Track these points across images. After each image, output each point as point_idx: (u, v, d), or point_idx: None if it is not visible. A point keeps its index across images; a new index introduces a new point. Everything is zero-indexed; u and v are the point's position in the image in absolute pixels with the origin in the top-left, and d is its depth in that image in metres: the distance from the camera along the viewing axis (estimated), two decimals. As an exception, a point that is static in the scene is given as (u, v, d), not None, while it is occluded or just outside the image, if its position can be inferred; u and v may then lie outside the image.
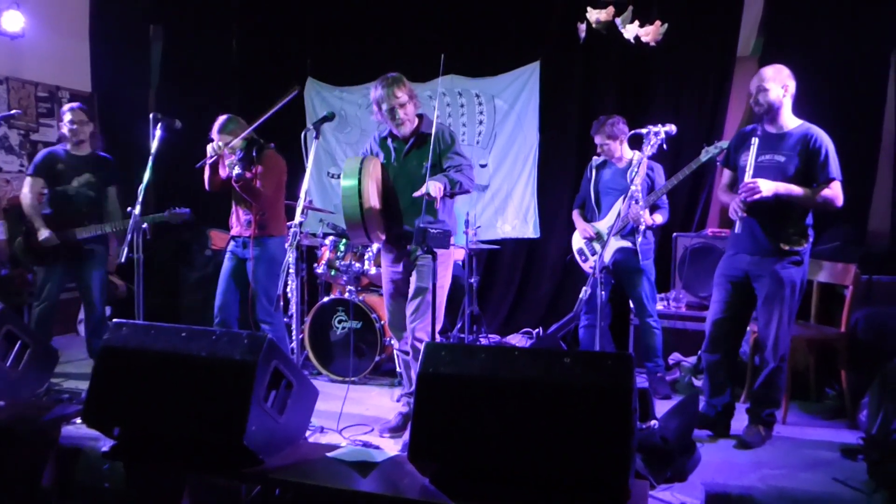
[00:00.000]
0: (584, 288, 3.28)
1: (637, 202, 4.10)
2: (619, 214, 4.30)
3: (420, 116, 3.57)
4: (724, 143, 4.07)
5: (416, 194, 3.25)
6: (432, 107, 4.68)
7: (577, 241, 4.63)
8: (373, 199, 3.31)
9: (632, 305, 4.63)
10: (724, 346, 3.66)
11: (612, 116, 4.49)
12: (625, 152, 4.50)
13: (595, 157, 4.64)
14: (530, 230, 5.90)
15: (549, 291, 5.81)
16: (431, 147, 3.32)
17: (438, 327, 3.36)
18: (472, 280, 5.09)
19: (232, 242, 4.29)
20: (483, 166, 6.00)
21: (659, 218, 4.38)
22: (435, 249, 3.16)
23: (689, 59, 5.28)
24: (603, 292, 3.53)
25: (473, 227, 5.11)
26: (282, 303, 4.23)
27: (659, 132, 3.47)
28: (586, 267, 4.52)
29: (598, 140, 4.51)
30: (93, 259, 4.63)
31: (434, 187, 3.21)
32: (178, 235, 5.75)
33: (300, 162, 3.52)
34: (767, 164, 3.43)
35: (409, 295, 3.53)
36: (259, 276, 4.14)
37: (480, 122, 6.05)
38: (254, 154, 4.12)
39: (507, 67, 5.90)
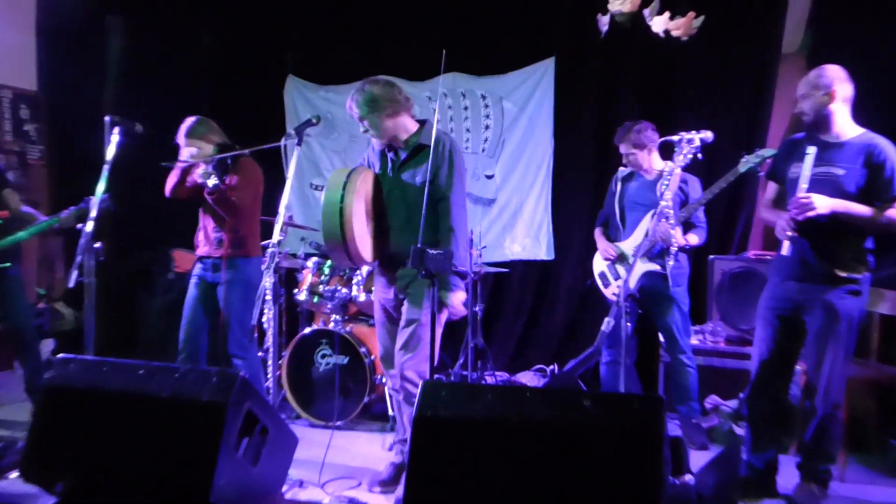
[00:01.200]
0: (606, 318, 3.27)
1: (667, 219, 4.11)
2: (647, 233, 4.30)
3: (421, 123, 3.60)
4: (767, 152, 4.08)
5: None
6: (432, 110, 4.72)
7: (599, 264, 4.63)
8: (357, 218, 3.32)
9: (661, 339, 4.62)
10: (770, 389, 3.62)
11: (639, 122, 4.51)
12: (654, 163, 4.52)
13: (621, 169, 4.66)
14: (543, 251, 5.91)
15: (566, 322, 5.82)
16: (430, 161, 3.34)
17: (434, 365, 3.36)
18: (477, 308, 5.09)
19: (199, 264, 4.30)
20: (489, 177, 6.02)
21: (694, 238, 4.38)
22: (435, 273, 3.15)
23: (727, 55, 5.32)
24: (628, 324, 3.53)
25: (478, 246, 5.12)
26: (256, 334, 4.22)
27: (693, 140, 3.48)
28: (609, 294, 4.52)
29: (623, 149, 4.53)
30: (2, 280, 4.59)
31: (457, 298, 3.41)
32: (136, 256, 5.76)
33: (279, 172, 3.54)
34: (822, 178, 3.37)
35: (399, 325, 3.54)
36: (231, 302, 4.15)
37: (486, 127, 6.09)
38: (228, 162, 4.14)
39: (517, 65, 5.95)
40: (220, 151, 4.14)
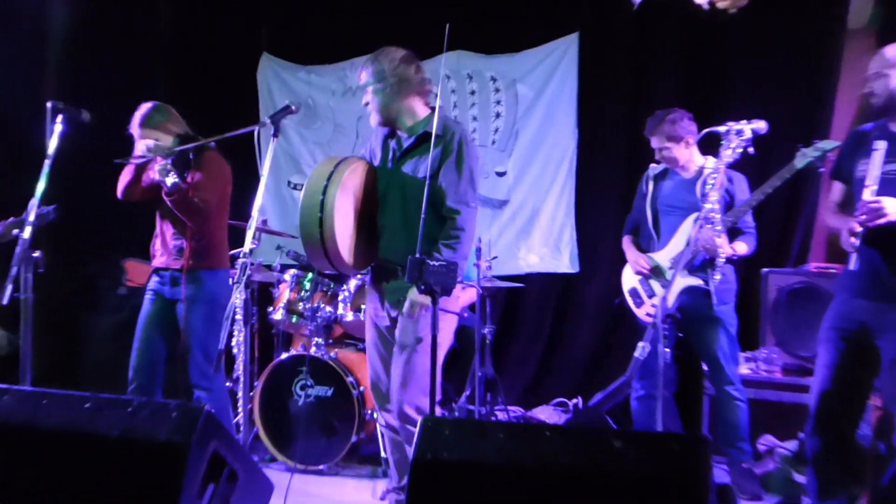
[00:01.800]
0: (640, 343, 3.26)
1: (711, 224, 4.11)
2: (687, 241, 4.30)
3: (433, 109, 3.61)
4: (828, 145, 4.08)
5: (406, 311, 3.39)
6: (431, 95, 4.69)
7: (629, 279, 4.63)
8: (341, 215, 3.33)
9: (705, 368, 4.61)
10: (834, 425, 3.59)
11: (673, 111, 4.52)
12: (692, 158, 4.53)
13: (652, 166, 4.67)
14: (565, 262, 5.92)
15: (592, 347, 5.82)
16: (432, 153, 3.34)
17: (438, 398, 3.35)
18: (486, 330, 5.09)
19: (155, 278, 4.30)
20: (500, 175, 6.04)
21: (742, 247, 4.38)
22: (436, 289, 3.15)
23: (782, 32, 5.34)
24: (667, 349, 3.50)
25: (487, 257, 5.12)
26: (224, 361, 4.22)
27: (742, 131, 3.48)
28: (642, 314, 4.52)
29: (655, 143, 4.54)
30: None
31: (414, 305, 3.37)
32: (81, 268, 5.77)
33: (251, 168, 3.55)
34: (894, 178, 3.40)
35: (395, 352, 3.54)
36: (193, 323, 4.15)
37: (497, 116, 6.10)
38: (190, 157, 4.16)
39: (533, 41, 5.98)
40: (182, 144, 4.14)
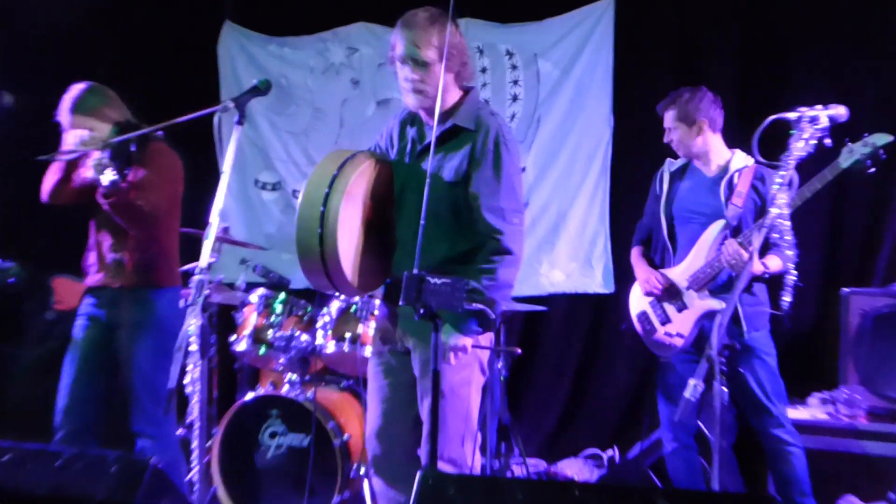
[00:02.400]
0: (691, 381, 3.25)
1: (780, 235, 4.11)
2: (709, 256, 4.31)
3: (467, 91, 3.58)
4: (881, 139, 4.05)
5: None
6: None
7: (638, 301, 4.65)
8: (347, 228, 3.32)
9: (744, 409, 4.60)
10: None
11: (699, 89, 4.55)
12: (711, 149, 4.52)
13: (669, 161, 4.68)
14: (598, 280, 5.94)
15: (631, 385, 5.83)
16: (462, 153, 3.33)
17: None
18: (500, 364, 5.10)
19: (90, 299, 4.31)
20: (518, 172, 6.07)
21: (775, 262, 4.36)
22: (438, 314, 3.15)
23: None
24: (725, 388, 3.49)
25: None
26: (175, 402, 4.21)
27: (817, 118, 3.47)
28: (660, 342, 4.52)
29: (666, 120, 4.57)
30: None
31: (454, 343, 3.35)
32: (-1, 287, 5.77)
33: (210, 163, 3.55)
34: None
35: (422, 409, 3.50)
36: (138, 355, 4.16)
37: (514, 99, 6.12)
38: (132, 149, 4.16)
39: (559, 7, 6.01)
40: (122, 133, 4.13)
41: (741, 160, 4.43)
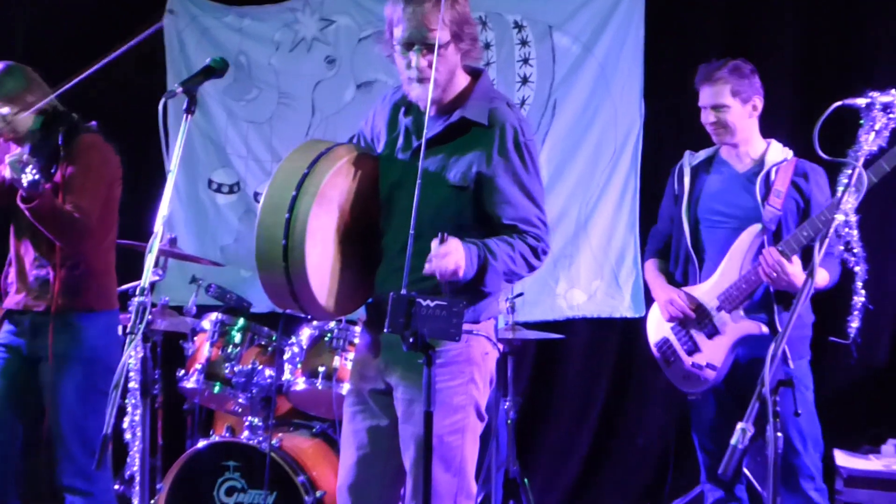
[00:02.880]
0: (739, 425, 3.23)
1: (784, 241, 4.13)
2: (741, 269, 4.30)
3: (475, 75, 3.53)
4: None
5: (426, 270, 3.23)
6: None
7: (658, 326, 4.62)
8: (319, 237, 3.30)
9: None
10: None
11: (746, 61, 4.53)
12: (753, 139, 4.51)
13: (689, 153, 4.63)
14: (626, 302, 5.94)
15: (667, 429, 5.81)
16: (473, 155, 3.31)
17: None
18: (507, 404, 5.09)
19: (7, 325, 4.30)
20: (529, 170, 6.06)
21: (822, 276, 4.36)
22: (431, 342, 3.12)
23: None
24: (779, 434, 3.48)
25: (510, 295, 5.14)
26: (111, 451, 4.19)
27: (893, 105, 3.47)
28: (687, 375, 4.50)
29: (707, 98, 4.45)
30: None
31: (451, 259, 3.20)
32: None
33: (154, 160, 3.52)
34: None
35: (405, 459, 3.47)
36: (65, 393, 4.14)
37: (524, 80, 6.12)
38: (59, 142, 4.15)
39: (578, -31, 6.02)
40: (47, 124, 4.15)
41: (778, 153, 4.40)
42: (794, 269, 4.14)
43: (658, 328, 4.61)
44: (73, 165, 4.16)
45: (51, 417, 4.15)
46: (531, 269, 3.41)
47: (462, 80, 3.47)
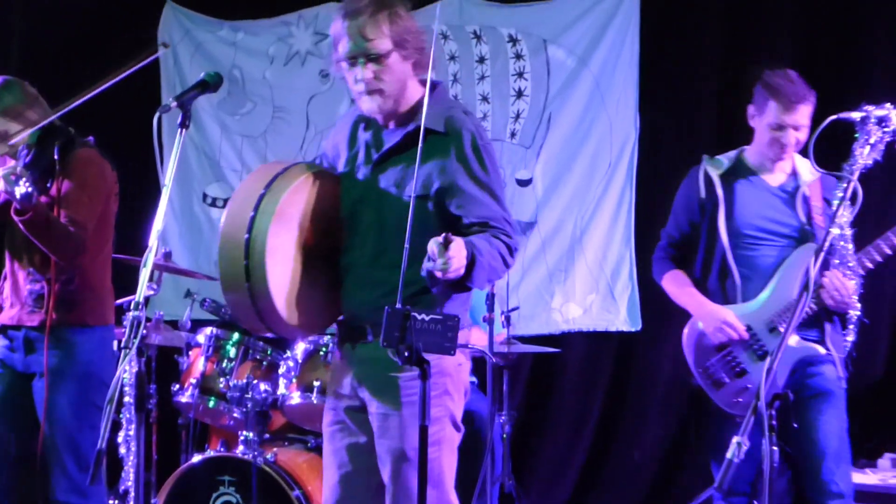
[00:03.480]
0: (734, 439, 3.24)
1: (842, 261, 4.11)
2: (803, 288, 4.29)
3: (432, 88, 3.54)
4: None
5: (424, 268, 3.22)
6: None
7: (699, 346, 4.55)
8: (279, 256, 3.32)
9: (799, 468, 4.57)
10: None
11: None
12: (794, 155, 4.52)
13: (707, 158, 4.58)
14: (622, 316, 5.94)
15: (662, 444, 5.84)
16: (438, 162, 3.31)
17: None
18: (503, 418, 5.09)
19: (2, 341, 4.29)
20: (524, 184, 6.06)
21: None
22: (426, 356, 3.13)
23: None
24: (775, 448, 3.48)
25: (505, 308, 5.13)
26: (106, 466, 4.19)
27: (888, 119, 3.48)
28: (726, 400, 4.47)
29: (795, 118, 4.30)
30: None
31: (456, 259, 3.19)
32: None
33: (149, 174, 3.53)
34: None
35: (384, 474, 3.47)
36: (59, 409, 4.13)
37: (518, 94, 6.12)
38: (55, 156, 4.15)
39: (573, -16, 6.04)
40: (43, 138, 4.15)
41: (807, 170, 4.36)
42: (853, 289, 4.15)
43: (700, 350, 4.50)
44: (69, 179, 4.15)
45: (45, 432, 4.13)
46: (507, 266, 3.41)
47: (416, 92, 3.49)
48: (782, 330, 4.20)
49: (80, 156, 4.22)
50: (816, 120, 3.43)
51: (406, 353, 3.04)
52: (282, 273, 3.34)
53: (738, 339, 4.38)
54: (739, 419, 4.50)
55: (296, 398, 4.84)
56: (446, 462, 3.45)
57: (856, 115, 3.58)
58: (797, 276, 4.30)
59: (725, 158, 4.53)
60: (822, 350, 4.31)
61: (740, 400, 4.40)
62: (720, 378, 4.48)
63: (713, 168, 4.53)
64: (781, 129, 4.36)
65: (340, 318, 3.59)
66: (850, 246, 4.09)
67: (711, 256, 4.51)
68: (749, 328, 4.36)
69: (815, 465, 4.36)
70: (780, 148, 4.38)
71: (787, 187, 4.43)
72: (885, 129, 3.52)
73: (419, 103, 3.44)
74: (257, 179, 3.40)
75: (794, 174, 4.42)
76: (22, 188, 3.97)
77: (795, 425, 4.38)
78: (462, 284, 3.31)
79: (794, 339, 4.29)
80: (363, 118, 3.56)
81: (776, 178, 4.45)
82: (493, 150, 3.50)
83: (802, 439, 4.33)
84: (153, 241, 3.32)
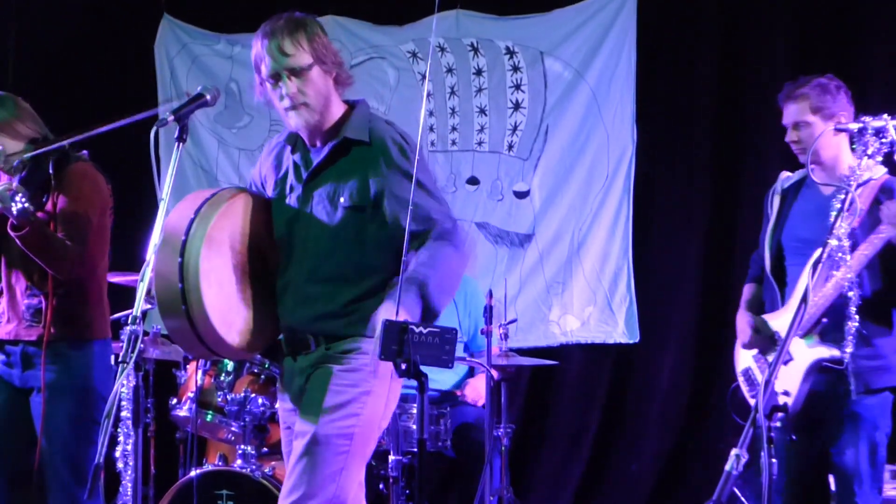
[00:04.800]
0: (733, 451, 3.24)
1: (845, 265, 4.13)
2: (805, 293, 4.29)
3: (350, 106, 3.57)
4: None
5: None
6: (418, 76, 4.78)
7: (743, 354, 4.58)
8: (213, 279, 3.34)
9: (832, 485, 4.55)
10: None
11: (831, 77, 4.46)
12: (843, 157, 4.45)
13: (785, 175, 4.56)
14: (620, 328, 5.92)
15: (662, 457, 5.82)
16: (366, 171, 3.33)
17: None
18: (501, 431, 5.08)
19: (-2, 356, 4.32)
20: (521, 196, 6.06)
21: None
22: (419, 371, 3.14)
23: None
24: (774, 459, 3.49)
25: (503, 321, 5.13)
26: (103, 480, 4.18)
27: (885, 130, 3.49)
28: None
29: (790, 115, 4.38)
30: None
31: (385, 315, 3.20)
32: None
33: (145, 188, 3.54)
34: None
35: (293, 456, 3.45)
36: (57, 423, 4.10)
37: (516, 106, 6.13)
38: (50, 171, 4.14)
39: (570, -4, 6.07)
40: (37, 155, 4.10)
41: (866, 171, 4.33)
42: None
43: (743, 356, 4.54)
44: (65, 194, 4.15)
45: (42, 447, 4.11)
46: (461, 264, 3.43)
47: (338, 109, 3.54)
48: (800, 336, 4.22)
49: (75, 170, 4.22)
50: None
51: (404, 367, 3.05)
52: (217, 294, 3.35)
53: (752, 345, 4.43)
54: (749, 426, 4.54)
55: (293, 412, 4.85)
56: (353, 463, 3.42)
57: (853, 127, 3.61)
58: (803, 283, 4.32)
59: (797, 174, 4.50)
60: (835, 352, 4.30)
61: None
62: (756, 384, 4.51)
63: (780, 185, 4.54)
64: (788, 130, 4.41)
65: (280, 336, 3.61)
66: (849, 257, 4.09)
67: (763, 271, 4.55)
68: (773, 337, 4.40)
69: (847, 481, 4.38)
70: (796, 148, 4.42)
71: (836, 194, 4.41)
72: (883, 140, 3.54)
73: (343, 120, 3.51)
74: (187, 206, 3.40)
75: (846, 180, 4.39)
76: (18, 204, 3.98)
77: (793, 437, 4.41)
78: (428, 312, 3.31)
79: (817, 347, 4.31)
80: (290, 141, 3.60)
81: (830, 187, 4.42)
82: (423, 152, 3.47)
83: (837, 458, 4.34)
84: (150, 255, 3.34)
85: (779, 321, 4.37)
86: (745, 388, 4.55)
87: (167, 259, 3.33)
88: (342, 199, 3.40)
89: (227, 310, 3.39)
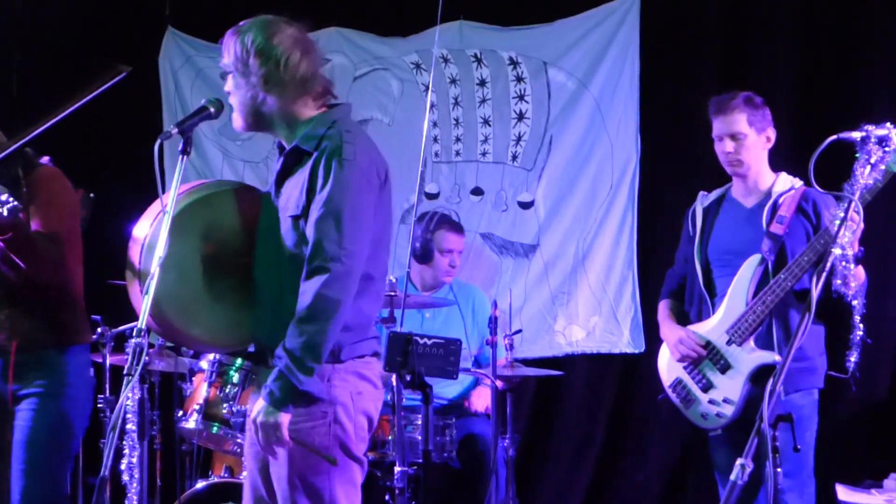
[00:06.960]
0: (738, 461, 3.25)
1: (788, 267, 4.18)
2: (748, 301, 4.32)
3: (328, 108, 3.54)
4: None
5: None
6: (421, 86, 4.79)
7: (669, 366, 4.61)
8: (173, 263, 3.30)
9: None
10: None
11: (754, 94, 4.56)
12: (764, 172, 4.53)
13: (703, 194, 4.64)
14: (625, 338, 5.94)
15: (668, 467, 5.83)
16: (304, 181, 3.30)
17: None
18: (506, 443, 5.08)
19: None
20: (526, 206, 6.07)
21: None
22: (424, 383, 3.15)
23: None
24: (779, 469, 3.49)
25: (508, 331, 5.14)
26: (108, 493, 4.17)
27: (889, 139, 3.50)
28: (705, 413, 4.49)
29: (722, 127, 4.41)
30: None
31: (268, 431, 3.20)
32: None
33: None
34: None
35: (278, 494, 3.40)
36: (34, 428, 4.06)
37: (520, 117, 6.15)
38: (20, 174, 4.11)
39: (574, 5, 6.05)
40: (2, 161, 4.08)
41: (786, 183, 4.43)
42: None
43: (670, 369, 4.61)
44: (37, 194, 4.12)
45: (21, 464, 4.05)
46: (340, 299, 3.22)
47: (306, 112, 3.48)
48: (737, 343, 4.35)
49: (42, 173, 4.18)
50: (816, 140, 3.42)
51: (408, 378, 3.06)
52: (176, 282, 3.34)
53: (696, 355, 4.49)
54: (713, 433, 4.57)
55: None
56: (339, 494, 3.35)
57: (856, 135, 3.60)
58: (744, 288, 4.39)
59: (716, 192, 4.65)
60: (777, 358, 4.32)
61: (710, 412, 4.45)
62: (689, 394, 4.54)
63: (700, 203, 4.63)
64: (719, 140, 4.52)
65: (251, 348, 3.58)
66: (852, 266, 4.10)
67: (693, 285, 4.64)
68: (708, 343, 4.45)
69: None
70: (724, 160, 4.52)
71: (757, 206, 4.49)
72: (886, 149, 3.53)
73: (307, 122, 3.46)
74: (170, 194, 3.37)
75: (769, 193, 4.47)
76: (9, 203, 3.96)
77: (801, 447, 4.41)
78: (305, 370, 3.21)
79: (758, 352, 4.35)
80: (278, 147, 3.59)
81: (752, 199, 4.53)
82: (355, 165, 3.32)
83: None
84: (154, 267, 3.34)
85: (706, 328, 4.47)
86: (674, 398, 4.62)
87: (136, 239, 3.40)
88: (288, 209, 3.37)
89: (185, 298, 3.38)
